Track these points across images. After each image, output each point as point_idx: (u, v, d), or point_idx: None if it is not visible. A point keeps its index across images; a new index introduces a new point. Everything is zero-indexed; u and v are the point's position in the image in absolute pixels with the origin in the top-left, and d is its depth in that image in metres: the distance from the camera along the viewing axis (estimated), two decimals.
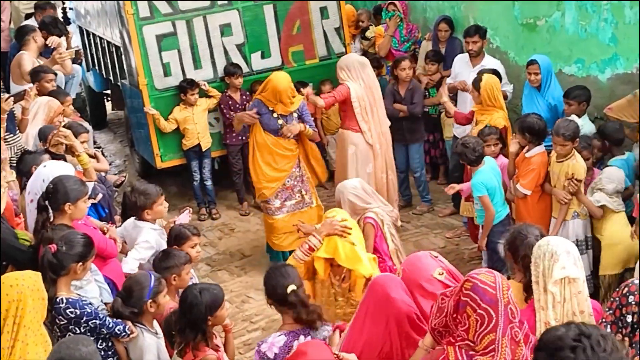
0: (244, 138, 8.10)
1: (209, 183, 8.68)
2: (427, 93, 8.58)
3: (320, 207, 7.36)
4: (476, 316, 3.22)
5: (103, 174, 6.76)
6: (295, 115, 7.09)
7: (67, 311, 4.11)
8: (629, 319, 3.49)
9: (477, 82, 6.90)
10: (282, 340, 3.97)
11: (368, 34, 9.56)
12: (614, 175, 5.94)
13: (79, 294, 4.33)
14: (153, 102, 8.25)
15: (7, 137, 6.12)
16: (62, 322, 4.13)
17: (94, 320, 4.16)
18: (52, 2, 10.29)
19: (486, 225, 6.35)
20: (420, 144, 8.20)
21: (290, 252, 6.52)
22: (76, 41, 10.26)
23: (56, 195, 4.72)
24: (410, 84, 7.99)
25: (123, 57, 8.67)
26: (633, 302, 3.48)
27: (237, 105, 8.34)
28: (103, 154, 8.41)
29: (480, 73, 7.08)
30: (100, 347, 4.23)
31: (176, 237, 5.09)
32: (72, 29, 10.40)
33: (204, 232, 8.27)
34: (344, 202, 5.52)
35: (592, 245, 6.11)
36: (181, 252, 4.94)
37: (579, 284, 3.61)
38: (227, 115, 8.34)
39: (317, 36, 8.79)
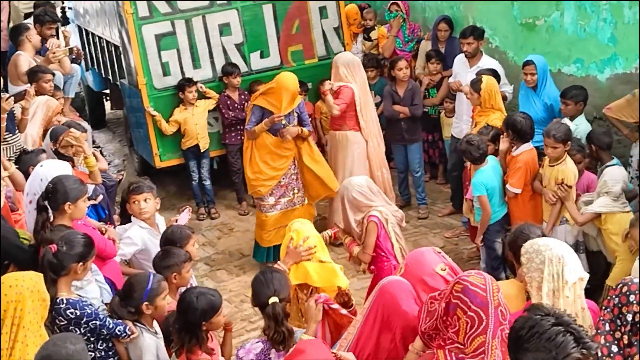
0: (242, 138, 8.10)
1: (207, 183, 8.67)
2: (426, 93, 8.58)
3: (311, 206, 7.42)
4: (466, 318, 3.23)
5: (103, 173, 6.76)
6: (295, 114, 7.13)
7: (67, 312, 4.10)
8: (629, 317, 3.49)
9: (476, 84, 6.85)
10: (259, 347, 3.98)
11: (373, 34, 9.38)
12: (617, 175, 5.81)
13: (79, 295, 4.33)
14: (152, 102, 8.25)
15: (6, 136, 6.12)
16: (62, 323, 4.11)
17: (94, 321, 4.15)
18: (52, 1, 10.27)
19: (481, 225, 6.35)
20: (419, 144, 8.19)
21: (277, 246, 6.53)
22: (75, 41, 10.26)
23: (56, 195, 4.71)
24: (409, 84, 7.98)
25: (122, 56, 8.66)
26: (634, 302, 3.48)
27: (236, 105, 8.35)
28: (102, 153, 8.42)
29: (479, 74, 7.08)
30: (101, 347, 4.24)
31: (179, 239, 5.07)
32: (71, 28, 10.40)
33: (202, 231, 8.27)
34: (348, 198, 5.41)
35: (583, 250, 6.05)
36: (181, 250, 4.91)
37: (584, 283, 3.64)
38: (226, 115, 8.35)
39: (316, 36, 8.79)
